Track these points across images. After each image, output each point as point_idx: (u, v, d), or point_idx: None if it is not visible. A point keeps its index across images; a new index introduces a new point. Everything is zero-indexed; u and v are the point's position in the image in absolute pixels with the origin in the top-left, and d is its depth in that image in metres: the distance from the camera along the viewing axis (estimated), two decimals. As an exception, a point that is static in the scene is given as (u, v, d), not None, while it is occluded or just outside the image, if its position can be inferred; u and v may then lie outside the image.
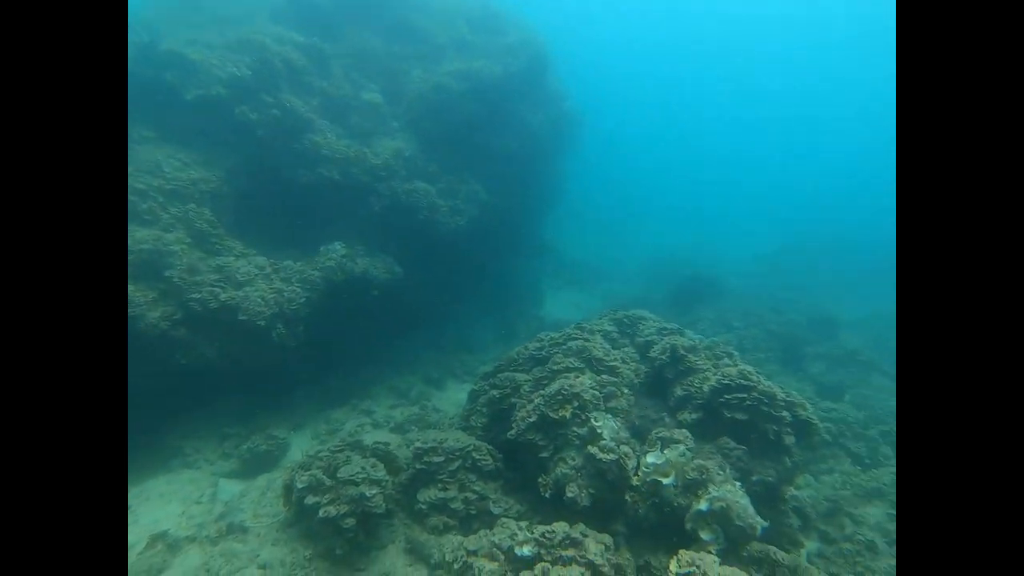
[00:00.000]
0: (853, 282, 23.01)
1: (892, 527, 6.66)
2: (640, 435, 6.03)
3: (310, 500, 5.30)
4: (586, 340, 6.94)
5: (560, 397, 5.90)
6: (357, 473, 5.43)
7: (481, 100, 13.18)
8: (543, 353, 7.28)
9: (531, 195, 17.61)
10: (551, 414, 5.86)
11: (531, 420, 5.95)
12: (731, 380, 5.51)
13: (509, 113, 14.23)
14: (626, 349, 7.53)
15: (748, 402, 5.30)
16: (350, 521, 5.18)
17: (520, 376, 7.09)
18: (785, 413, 5.35)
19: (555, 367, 6.70)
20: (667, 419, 6.18)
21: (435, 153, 12.31)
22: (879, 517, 6.93)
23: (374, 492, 5.36)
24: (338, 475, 5.47)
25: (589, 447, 5.49)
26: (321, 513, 5.17)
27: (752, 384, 5.43)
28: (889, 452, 8.32)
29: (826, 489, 7.67)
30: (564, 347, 7.00)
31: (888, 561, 6.01)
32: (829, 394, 10.70)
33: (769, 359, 11.97)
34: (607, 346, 7.12)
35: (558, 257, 26.81)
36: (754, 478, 5.36)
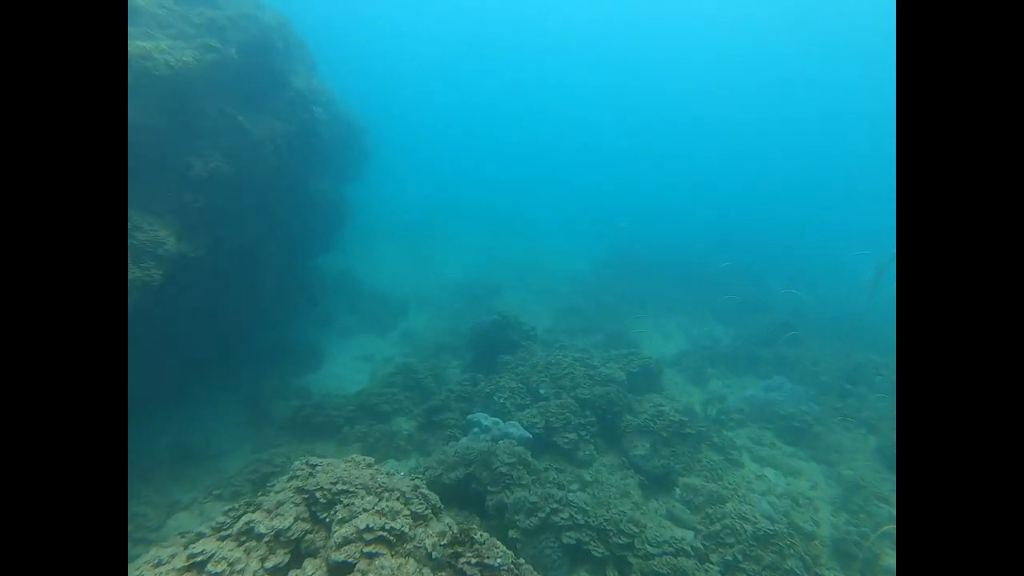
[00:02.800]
0: (674, 302, 23.03)
1: None
2: None
3: None
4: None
5: None
6: None
7: (155, 98, 8.53)
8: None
9: (282, 231, 13.18)
10: None
11: None
12: None
13: (213, 119, 9.72)
14: (309, 567, 4.01)
15: None
16: None
17: None
18: None
19: None
20: None
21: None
22: None
23: None
24: None
25: None
26: None
27: None
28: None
29: None
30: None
31: None
32: (656, 488, 8.83)
33: (584, 439, 9.79)
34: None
35: (354, 293, 22.57)
36: None
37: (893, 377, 12.63)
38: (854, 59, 52.58)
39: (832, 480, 9.37)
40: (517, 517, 7.25)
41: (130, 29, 9.07)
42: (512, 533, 7.15)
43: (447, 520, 5.14)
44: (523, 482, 7.95)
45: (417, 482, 5.28)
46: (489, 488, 7.83)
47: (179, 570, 3.74)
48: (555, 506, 7.26)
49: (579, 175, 68.62)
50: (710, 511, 7.69)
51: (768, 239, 36.62)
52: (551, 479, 8.28)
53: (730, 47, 61.15)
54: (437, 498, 5.31)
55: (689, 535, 7.51)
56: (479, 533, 4.51)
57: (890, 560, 7.38)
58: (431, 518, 4.79)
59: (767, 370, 13.98)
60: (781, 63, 60.02)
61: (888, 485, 9.10)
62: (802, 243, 35.47)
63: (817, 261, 32.46)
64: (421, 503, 4.82)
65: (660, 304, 23.24)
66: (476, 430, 9.43)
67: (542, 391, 10.90)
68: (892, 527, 7.62)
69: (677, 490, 8.63)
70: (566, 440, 9.69)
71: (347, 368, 15.67)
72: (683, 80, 70.45)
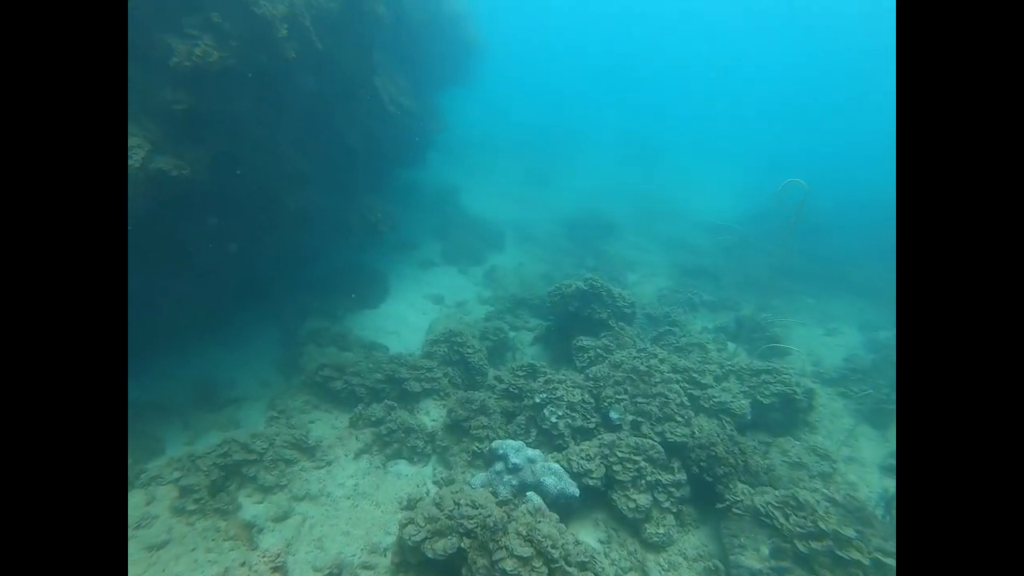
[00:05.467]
0: (855, 279, 17.14)
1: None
2: None
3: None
4: None
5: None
6: None
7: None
8: None
9: (334, 145, 10.77)
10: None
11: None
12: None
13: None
14: None
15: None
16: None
17: None
18: None
19: None
20: None
21: None
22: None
23: None
24: None
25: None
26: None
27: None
28: None
29: None
30: None
31: None
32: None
33: (661, 506, 6.47)
34: None
35: (448, 216, 20.33)
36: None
37: None
38: None
39: None
40: (503, 666, 4.43)
41: None
42: None
43: None
44: (535, 590, 5.00)
45: None
46: (480, 587, 5.06)
47: None
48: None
49: (751, 121, 55.92)
50: None
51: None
52: (585, 590, 5.16)
53: None
54: None
55: None
56: None
57: None
58: None
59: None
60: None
61: None
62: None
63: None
64: None
65: (833, 281, 17.13)
66: (499, 467, 6.54)
67: (614, 416, 7.47)
68: None
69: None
70: (632, 506, 6.37)
71: (411, 309, 13.65)
72: None
